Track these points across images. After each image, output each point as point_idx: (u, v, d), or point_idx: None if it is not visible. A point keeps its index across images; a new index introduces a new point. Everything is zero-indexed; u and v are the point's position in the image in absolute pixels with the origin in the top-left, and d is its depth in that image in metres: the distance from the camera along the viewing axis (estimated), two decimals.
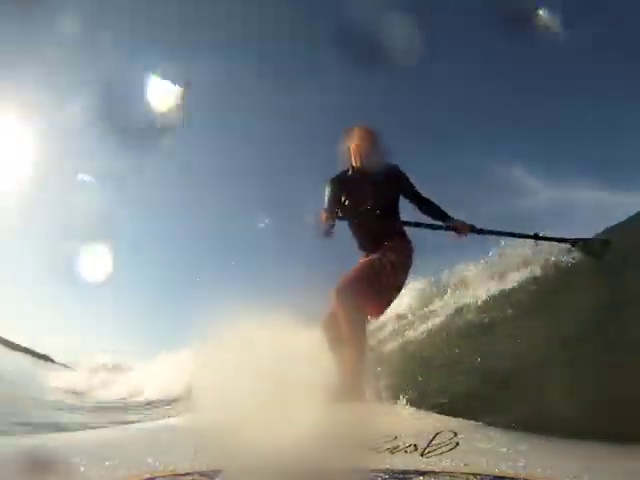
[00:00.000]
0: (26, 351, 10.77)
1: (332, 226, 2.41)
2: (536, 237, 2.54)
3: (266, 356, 1.52)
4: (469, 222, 2.45)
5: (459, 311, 4.44)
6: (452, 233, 2.43)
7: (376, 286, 2.28)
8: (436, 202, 2.50)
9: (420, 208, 2.47)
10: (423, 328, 4.48)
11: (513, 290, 4.06)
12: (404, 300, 4.86)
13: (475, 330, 3.66)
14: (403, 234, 2.49)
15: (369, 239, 2.46)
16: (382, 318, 2.87)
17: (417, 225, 2.45)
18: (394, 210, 2.52)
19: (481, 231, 2.43)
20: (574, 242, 2.61)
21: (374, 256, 2.36)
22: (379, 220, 2.42)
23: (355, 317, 2.18)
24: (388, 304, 2.43)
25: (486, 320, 3.69)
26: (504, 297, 4.03)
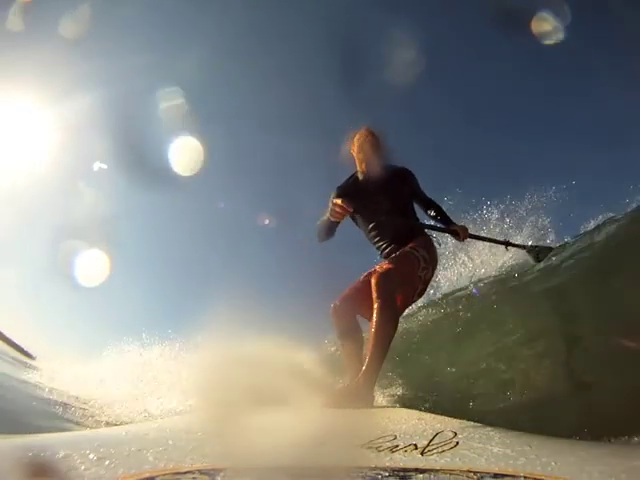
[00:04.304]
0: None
1: (335, 227, 2.43)
2: (507, 243, 2.91)
3: (266, 359, 1.53)
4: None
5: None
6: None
7: (410, 278, 2.28)
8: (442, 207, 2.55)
9: (426, 210, 2.52)
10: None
11: None
12: None
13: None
14: (424, 233, 2.50)
15: (393, 244, 2.44)
16: None
17: (422, 226, 2.54)
18: (411, 210, 2.53)
19: (472, 236, 2.68)
20: (530, 248, 3.02)
21: (406, 248, 2.36)
22: (399, 223, 2.43)
23: (392, 309, 2.12)
24: (419, 296, 2.43)
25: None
26: None
